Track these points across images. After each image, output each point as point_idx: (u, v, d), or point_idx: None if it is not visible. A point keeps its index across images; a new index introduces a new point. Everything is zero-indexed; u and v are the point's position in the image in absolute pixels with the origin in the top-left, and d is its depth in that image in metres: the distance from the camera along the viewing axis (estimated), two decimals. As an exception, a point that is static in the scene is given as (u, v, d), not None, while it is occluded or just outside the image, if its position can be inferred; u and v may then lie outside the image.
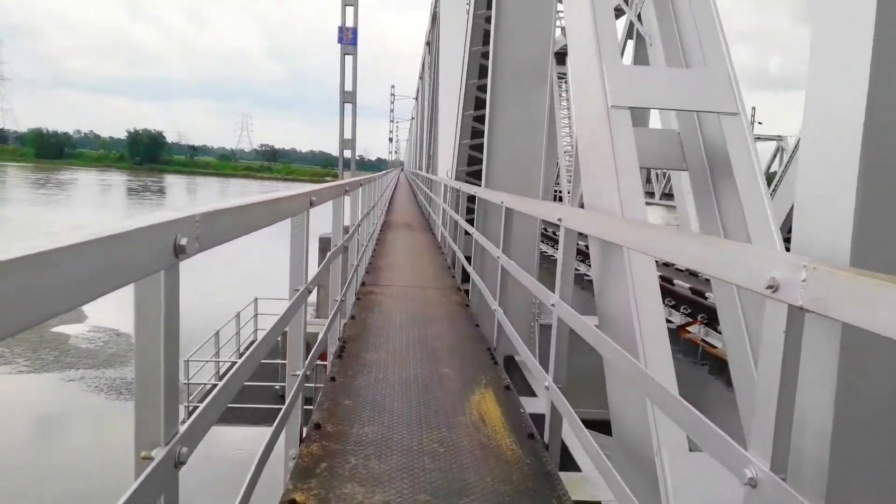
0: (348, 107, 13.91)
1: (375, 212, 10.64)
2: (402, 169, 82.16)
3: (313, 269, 3.21)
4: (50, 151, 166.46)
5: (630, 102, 3.20)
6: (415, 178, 32.27)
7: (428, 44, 27.99)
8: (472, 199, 10.55)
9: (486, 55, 9.71)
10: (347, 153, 14.39)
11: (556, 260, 3.05)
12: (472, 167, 11.30)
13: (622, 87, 3.20)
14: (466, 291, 7.74)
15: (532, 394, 6.52)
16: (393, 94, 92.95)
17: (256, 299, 14.41)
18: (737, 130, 3.17)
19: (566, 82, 28.92)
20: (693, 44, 3.60)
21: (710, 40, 3.44)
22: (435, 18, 21.77)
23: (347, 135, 14.04)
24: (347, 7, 13.74)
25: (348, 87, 14.30)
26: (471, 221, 9.95)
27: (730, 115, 3.21)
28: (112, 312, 30.62)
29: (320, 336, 3.84)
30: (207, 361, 11.80)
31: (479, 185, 9.15)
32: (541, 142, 6.80)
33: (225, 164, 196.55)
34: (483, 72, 9.77)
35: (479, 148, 10.16)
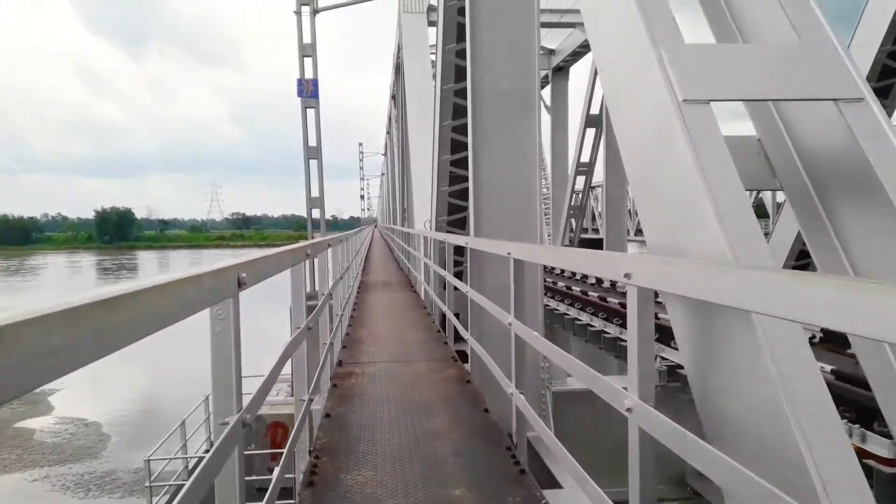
0: (314, 164, 13.11)
1: (350, 273, 9.72)
2: (375, 225, 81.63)
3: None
4: (16, 238, 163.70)
5: (711, 94, 2.30)
6: (390, 234, 31.43)
7: (393, 97, 27.70)
8: (458, 250, 9.70)
9: (460, 93, 9.05)
10: (317, 213, 13.45)
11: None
12: (453, 215, 10.50)
13: (695, 74, 2.34)
14: (461, 353, 6.75)
15: (553, 481, 5.32)
16: (361, 152, 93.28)
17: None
18: (868, 122, 2.30)
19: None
20: (767, 11, 2.67)
21: (797, 3, 2.52)
22: (399, 69, 21.43)
23: (315, 192, 13.17)
24: (305, 59, 13.05)
25: (312, 143, 13.62)
26: (459, 275, 9.03)
27: (853, 103, 2.34)
28: (79, 401, 29.01)
29: (283, 458, 2.80)
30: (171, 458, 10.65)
31: (464, 234, 8.31)
32: (534, 177, 6.00)
33: (196, 234, 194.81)
34: (458, 111, 9.13)
35: (460, 194, 9.39)
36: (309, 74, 13.01)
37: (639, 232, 43.81)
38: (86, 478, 21.49)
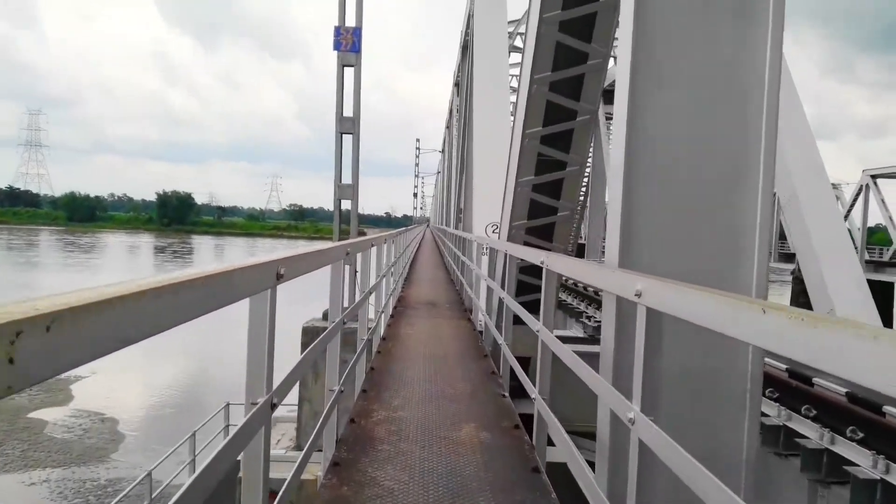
0: (348, 141, 10.04)
1: (381, 290, 6.83)
2: (427, 225, 79.66)
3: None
4: (82, 215, 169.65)
5: None
6: (441, 236, 28.38)
7: (457, 84, 24.83)
8: (530, 270, 6.69)
9: (564, 27, 5.97)
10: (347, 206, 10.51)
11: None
12: (537, 220, 7.02)
13: None
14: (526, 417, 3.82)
15: None
16: (418, 147, 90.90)
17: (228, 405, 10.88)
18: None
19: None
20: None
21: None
22: (466, 48, 18.55)
23: (347, 178, 10.07)
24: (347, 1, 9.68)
25: (348, 112, 10.14)
26: (533, 305, 6.10)
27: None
28: (102, 392, 27.50)
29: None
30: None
31: (546, 247, 5.47)
32: (757, 159, 2.93)
33: (252, 223, 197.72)
34: (562, 56, 5.98)
35: (552, 188, 6.32)
36: (351, 20, 9.85)
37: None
38: (87, 486, 19.65)
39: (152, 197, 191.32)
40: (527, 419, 4.96)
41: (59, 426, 24.75)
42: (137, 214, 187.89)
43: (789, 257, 40.63)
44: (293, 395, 9.06)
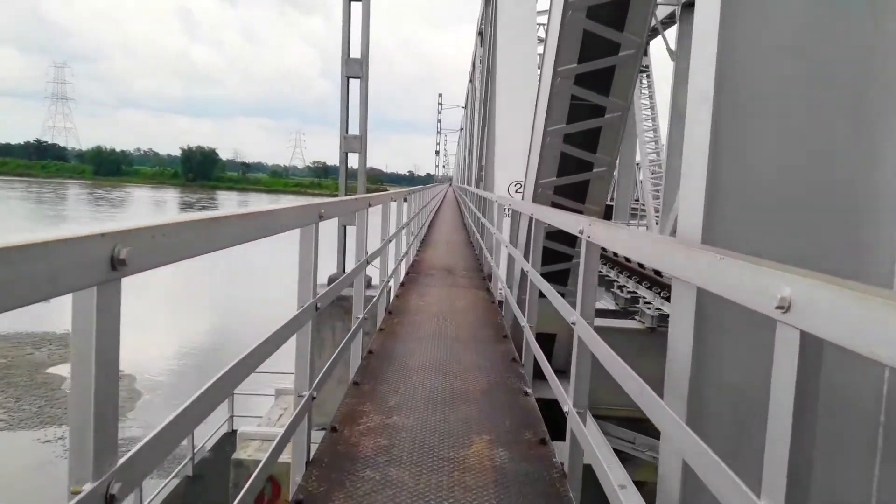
0: (356, 87, 8.90)
1: (390, 254, 5.91)
2: (450, 184, 78.40)
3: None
4: (108, 169, 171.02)
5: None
6: (462, 195, 27.26)
7: (480, 33, 23.41)
8: (559, 235, 5.69)
9: None
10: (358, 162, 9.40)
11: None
12: (568, 176, 5.74)
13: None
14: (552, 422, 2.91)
15: None
16: (440, 103, 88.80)
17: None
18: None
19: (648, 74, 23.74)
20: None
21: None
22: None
23: (355, 129, 9.00)
24: None
25: (355, 53, 8.88)
26: (561, 276, 5.17)
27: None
28: (125, 348, 27.42)
29: None
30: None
31: (580, 209, 4.58)
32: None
33: (276, 180, 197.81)
34: None
35: (586, 139, 5.22)
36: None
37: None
38: (101, 443, 19.41)
39: (177, 152, 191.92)
40: (550, 411, 4.09)
41: (76, 382, 24.70)
42: (163, 169, 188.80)
43: None
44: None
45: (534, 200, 5.63)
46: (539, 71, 6.29)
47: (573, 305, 3.00)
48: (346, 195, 8.46)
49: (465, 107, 52.17)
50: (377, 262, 5.40)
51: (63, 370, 24.71)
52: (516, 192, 9.10)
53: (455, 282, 8.41)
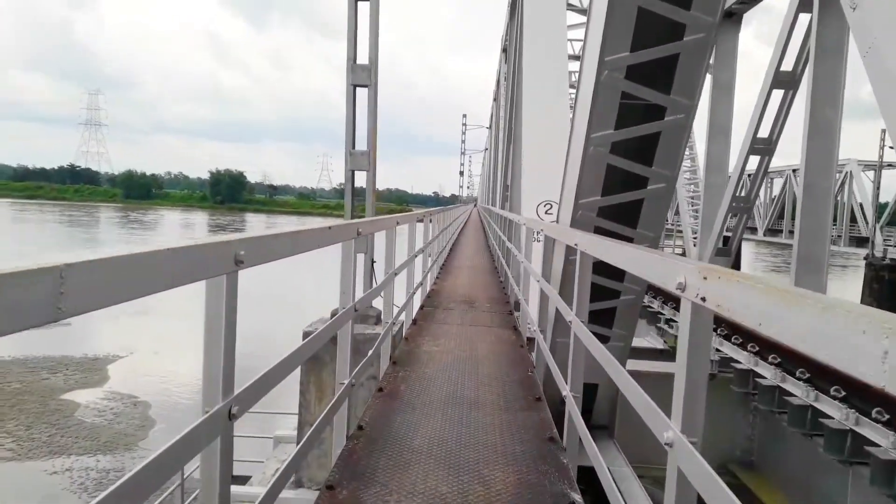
0: (364, 97, 7.90)
1: (405, 286, 4.92)
2: (475, 204, 77.70)
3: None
4: (138, 192, 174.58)
5: None
6: (487, 216, 26.17)
7: (504, 50, 22.57)
8: (604, 267, 4.66)
9: None
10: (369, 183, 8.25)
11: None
12: (617, 195, 4.56)
13: None
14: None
15: None
16: (464, 124, 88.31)
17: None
18: None
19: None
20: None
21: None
22: (514, 5, 16.31)
23: (363, 145, 8.02)
24: None
25: (363, 59, 7.79)
26: (608, 315, 4.15)
27: None
28: (135, 374, 26.89)
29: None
30: None
31: (634, 234, 3.63)
32: None
33: (303, 202, 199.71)
34: None
35: (640, 148, 4.05)
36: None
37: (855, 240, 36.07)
38: (110, 476, 18.87)
39: (206, 175, 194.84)
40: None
41: (90, 409, 24.24)
42: (191, 192, 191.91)
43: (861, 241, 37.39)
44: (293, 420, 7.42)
45: (572, 225, 4.59)
46: (578, 66, 5.28)
47: (621, 352, 2.18)
48: (352, 218, 7.52)
49: (490, 127, 51.52)
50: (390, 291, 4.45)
51: (78, 396, 24.22)
52: (546, 213, 8.07)
53: (476, 318, 7.34)
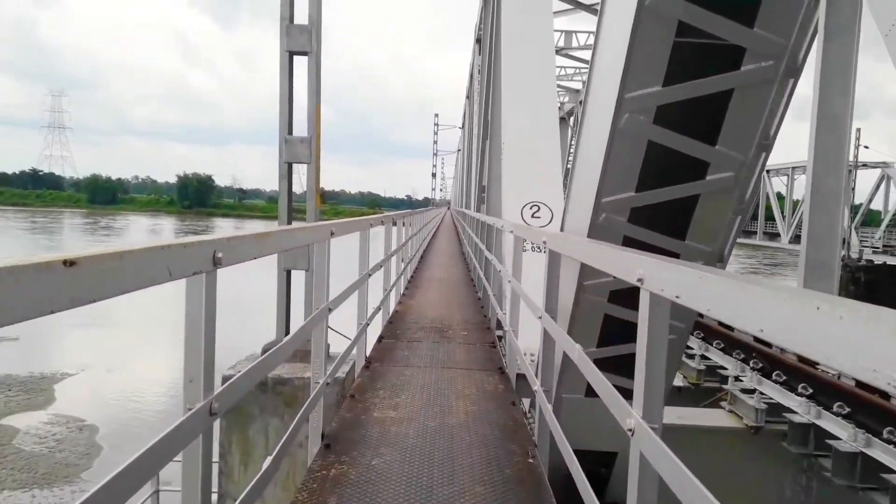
0: (303, 66, 6.32)
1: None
2: (448, 207, 76.31)
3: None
4: (103, 197, 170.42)
5: None
6: (461, 220, 24.56)
7: (478, 40, 21.17)
8: (623, 296, 3.20)
9: None
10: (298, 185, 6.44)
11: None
12: (661, 189, 2.93)
13: None
14: None
15: None
16: (436, 124, 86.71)
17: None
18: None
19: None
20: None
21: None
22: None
23: (304, 130, 6.29)
24: None
25: (301, 18, 6.16)
26: (628, 361, 3.02)
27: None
28: (84, 394, 24.92)
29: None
30: None
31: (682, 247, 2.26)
32: None
33: (273, 206, 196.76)
34: None
35: (700, 117, 2.52)
36: None
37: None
38: (45, 514, 16.91)
39: (174, 179, 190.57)
40: None
41: (31, 435, 22.19)
42: (158, 197, 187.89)
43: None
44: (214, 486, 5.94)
45: (594, 230, 3.10)
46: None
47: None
48: (288, 223, 5.97)
49: (462, 126, 50.16)
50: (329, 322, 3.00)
51: (18, 420, 22.21)
52: (533, 216, 6.61)
53: (451, 353, 5.68)
